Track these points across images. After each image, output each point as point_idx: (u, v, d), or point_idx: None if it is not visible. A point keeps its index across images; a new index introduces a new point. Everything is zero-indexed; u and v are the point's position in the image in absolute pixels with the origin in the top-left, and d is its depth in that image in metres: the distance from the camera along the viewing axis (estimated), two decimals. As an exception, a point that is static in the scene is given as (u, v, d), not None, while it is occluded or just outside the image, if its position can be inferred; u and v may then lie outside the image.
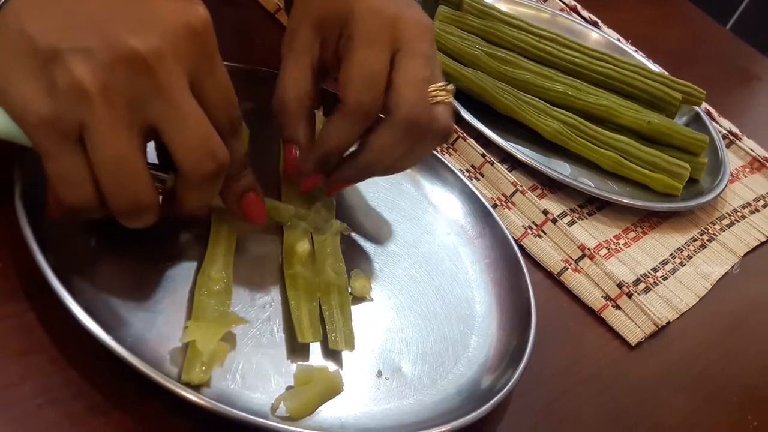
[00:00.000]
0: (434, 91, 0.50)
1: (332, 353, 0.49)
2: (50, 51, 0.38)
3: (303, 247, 0.52)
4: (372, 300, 0.53)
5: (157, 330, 0.45)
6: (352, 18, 0.49)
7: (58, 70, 0.38)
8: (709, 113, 0.89)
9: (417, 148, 0.51)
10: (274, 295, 0.50)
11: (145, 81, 0.39)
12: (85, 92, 0.38)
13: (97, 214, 0.41)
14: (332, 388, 0.47)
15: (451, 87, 0.51)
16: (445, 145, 0.69)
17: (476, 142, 0.69)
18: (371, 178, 0.55)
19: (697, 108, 0.85)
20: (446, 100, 0.50)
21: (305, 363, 0.47)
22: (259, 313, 0.49)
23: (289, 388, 0.46)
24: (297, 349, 0.48)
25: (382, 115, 0.50)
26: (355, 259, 0.55)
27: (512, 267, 0.58)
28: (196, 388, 0.42)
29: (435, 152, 0.64)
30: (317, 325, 0.49)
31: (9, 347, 0.42)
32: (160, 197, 0.43)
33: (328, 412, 0.46)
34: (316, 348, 0.49)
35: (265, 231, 0.53)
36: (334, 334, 0.49)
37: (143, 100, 0.39)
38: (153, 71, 0.39)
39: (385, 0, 0.50)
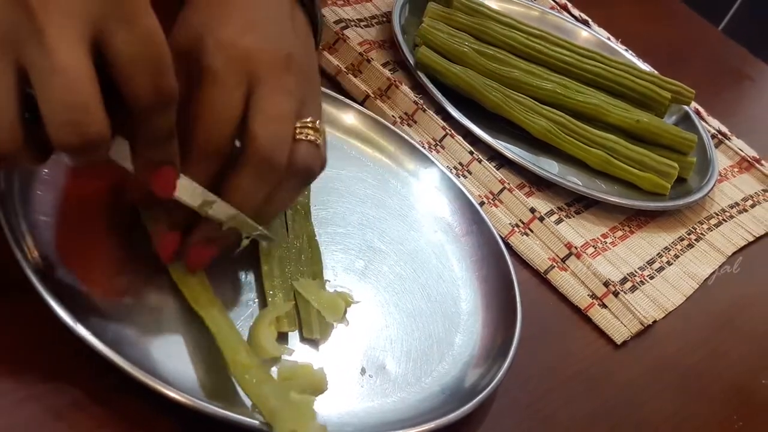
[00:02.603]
0: (299, 128, 0.46)
1: (316, 350, 0.48)
2: None
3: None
4: (358, 302, 0.52)
5: (137, 325, 0.44)
6: (203, 52, 0.44)
7: None
8: (698, 113, 0.89)
9: (279, 191, 0.46)
10: (248, 280, 0.50)
11: (21, 18, 0.34)
12: None
13: None
14: (316, 386, 0.46)
15: (320, 125, 0.47)
16: (433, 143, 0.69)
17: (464, 139, 0.69)
18: (359, 176, 0.54)
19: (686, 107, 0.85)
20: (311, 138, 0.46)
21: (289, 360, 0.47)
22: (243, 309, 0.48)
23: None
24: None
25: None
26: (340, 256, 0.55)
27: (499, 265, 0.58)
28: (175, 384, 0.41)
29: (423, 149, 0.64)
30: (292, 314, 0.49)
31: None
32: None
33: (311, 409, 0.45)
34: (300, 346, 0.48)
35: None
36: (308, 323, 0.49)
37: (17, 40, 0.34)
38: (31, 9, 0.34)
39: (239, 31, 0.45)
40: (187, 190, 0.43)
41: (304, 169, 0.46)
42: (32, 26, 0.34)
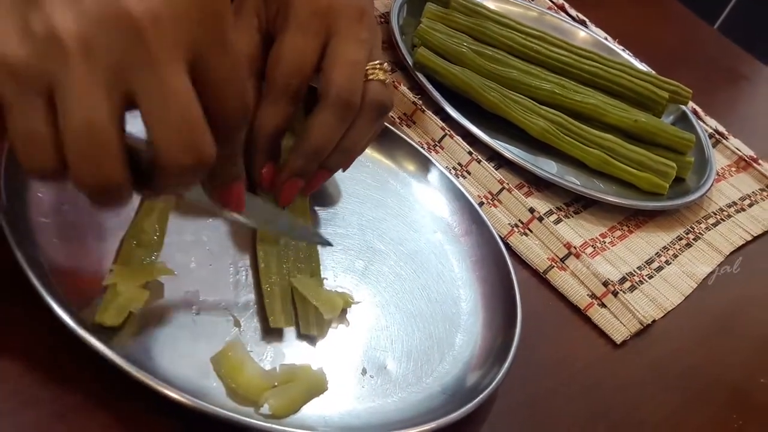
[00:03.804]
0: (369, 69, 0.52)
1: (316, 350, 0.48)
2: None
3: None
4: (358, 302, 0.52)
5: (139, 326, 0.44)
6: (290, 4, 0.51)
7: (37, 12, 0.34)
8: (695, 112, 0.89)
9: (355, 127, 0.52)
10: (248, 281, 0.50)
11: (132, 45, 0.34)
12: (62, 43, 0.33)
13: (58, 180, 0.37)
14: (316, 387, 0.46)
15: (386, 66, 0.53)
16: (432, 143, 0.69)
17: (463, 139, 0.69)
18: (359, 177, 0.54)
19: (683, 107, 0.85)
20: (380, 78, 0.52)
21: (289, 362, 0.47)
22: (243, 311, 0.48)
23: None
24: (271, 334, 0.48)
25: None
26: (340, 257, 0.55)
27: (498, 265, 0.58)
28: (177, 386, 0.41)
29: (422, 150, 0.64)
30: (289, 309, 0.49)
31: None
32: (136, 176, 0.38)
33: (313, 410, 0.45)
34: (301, 345, 0.48)
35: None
36: (306, 319, 0.49)
37: (127, 66, 0.34)
38: (144, 36, 0.34)
39: None
40: (253, 204, 0.48)
41: (377, 104, 0.52)
42: (146, 55, 0.34)
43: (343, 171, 0.56)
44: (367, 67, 0.52)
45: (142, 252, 0.46)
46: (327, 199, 0.58)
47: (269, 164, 0.53)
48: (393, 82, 0.71)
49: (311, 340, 0.49)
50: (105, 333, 0.42)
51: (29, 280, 0.41)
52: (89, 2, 0.34)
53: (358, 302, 0.52)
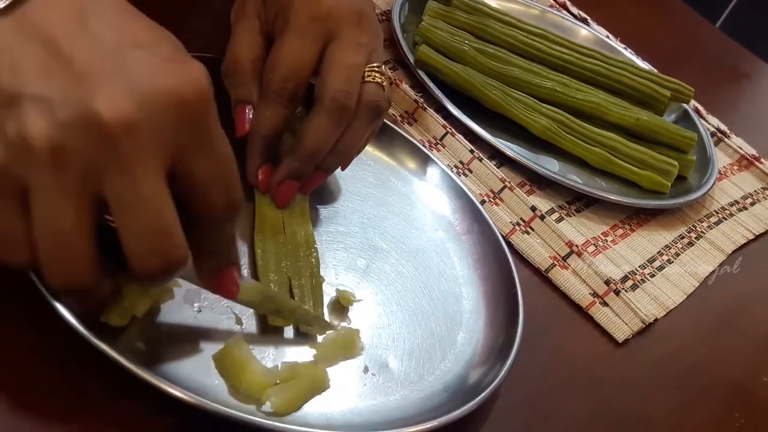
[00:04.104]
0: (367, 72, 0.52)
1: (317, 348, 0.48)
2: (10, 93, 0.34)
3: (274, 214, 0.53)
4: (360, 300, 0.52)
5: (140, 323, 0.44)
6: (290, 7, 0.52)
7: (12, 117, 0.34)
8: (697, 111, 0.89)
9: (351, 129, 0.52)
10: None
11: (103, 152, 0.34)
12: (32, 149, 0.33)
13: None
14: (318, 384, 0.46)
15: (385, 69, 0.53)
16: (433, 141, 0.69)
17: (465, 138, 0.69)
18: (360, 175, 0.54)
19: (685, 105, 0.85)
20: (377, 80, 0.52)
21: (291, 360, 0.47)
22: (245, 309, 0.48)
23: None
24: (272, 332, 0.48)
25: None
26: (342, 255, 0.55)
27: (500, 263, 0.58)
28: (178, 383, 0.41)
29: (423, 148, 0.64)
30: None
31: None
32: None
33: (314, 408, 0.45)
34: (304, 343, 0.48)
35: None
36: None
37: (98, 171, 0.34)
38: (115, 144, 0.34)
39: None
40: (248, 288, 0.45)
41: (372, 106, 0.52)
42: (117, 159, 0.34)
43: (342, 170, 0.56)
44: (366, 70, 0.52)
45: None
46: (328, 197, 0.58)
47: (266, 166, 0.53)
48: (395, 80, 0.71)
49: (313, 337, 0.49)
50: (107, 331, 0.42)
51: (32, 280, 0.40)
52: (62, 107, 0.34)
53: (360, 300, 0.52)
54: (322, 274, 0.52)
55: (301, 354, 0.48)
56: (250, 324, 0.48)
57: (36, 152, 0.33)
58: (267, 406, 0.44)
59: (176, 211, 0.36)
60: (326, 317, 0.50)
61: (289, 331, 0.49)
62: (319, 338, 0.49)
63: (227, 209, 0.38)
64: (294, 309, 0.48)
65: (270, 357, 0.47)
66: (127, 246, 0.36)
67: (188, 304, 0.47)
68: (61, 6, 0.36)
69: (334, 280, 0.53)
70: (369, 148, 0.64)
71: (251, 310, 0.48)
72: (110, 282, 0.40)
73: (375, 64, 0.53)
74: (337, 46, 0.52)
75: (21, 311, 0.43)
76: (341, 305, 0.51)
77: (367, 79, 0.52)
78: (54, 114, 0.34)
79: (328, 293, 0.52)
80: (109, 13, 0.36)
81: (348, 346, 0.49)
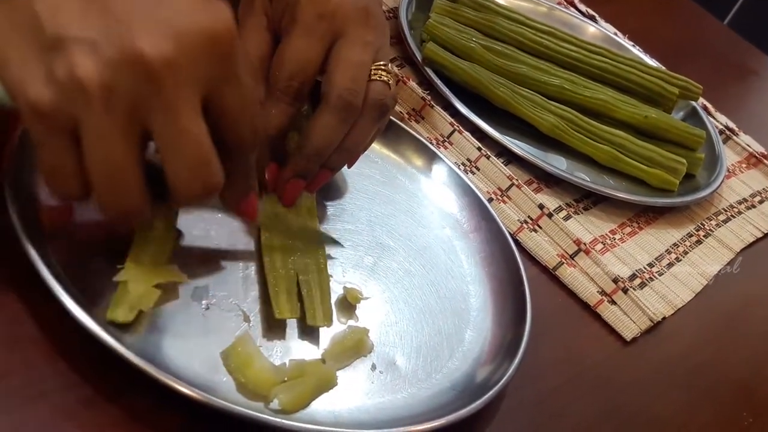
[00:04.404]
0: (373, 70, 0.52)
1: (327, 345, 0.48)
2: (54, 36, 0.36)
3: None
4: (367, 298, 0.52)
5: (148, 321, 0.44)
6: (297, 5, 0.51)
7: (60, 59, 0.36)
8: (705, 108, 0.89)
9: (357, 127, 0.52)
10: (251, 273, 0.50)
11: (148, 88, 0.37)
12: (84, 88, 0.36)
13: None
14: (326, 382, 0.46)
15: (392, 67, 0.53)
16: (441, 139, 0.69)
17: (472, 135, 0.69)
18: (367, 173, 0.54)
19: (693, 103, 0.85)
20: (383, 78, 0.52)
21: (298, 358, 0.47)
22: (253, 305, 0.48)
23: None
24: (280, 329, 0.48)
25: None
26: (349, 253, 0.55)
27: (507, 261, 0.58)
28: (186, 380, 0.41)
29: (431, 145, 0.64)
30: (294, 301, 0.49)
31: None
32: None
33: (322, 405, 0.45)
34: (311, 340, 0.48)
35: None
36: (312, 310, 0.49)
37: (144, 107, 0.37)
38: (159, 80, 0.37)
39: None
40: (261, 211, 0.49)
41: (378, 104, 0.52)
42: (161, 95, 0.37)
43: (348, 168, 0.56)
44: (372, 68, 0.52)
45: (153, 248, 0.46)
46: (335, 195, 0.58)
47: (272, 165, 0.53)
48: (402, 78, 0.70)
49: (321, 335, 0.49)
50: (115, 328, 0.42)
51: (41, 275, 0.41)
52: (107, 48, 0.36)
53: (367, 298, 0.52)
54: (329, 271, 0.52)
55: (309, 351, 0.48)
56: (258, 321, 0.48)
57: (87, 91, 0.36)
58: (275, 404, 0.43)
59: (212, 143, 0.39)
60: (333, 315, 0.50)
61: (298, 329, 0.48)
62: (327, 334, 0.49)
63: (253, 136, 0.42)
64: (302, 227, 0.52)
65: (278, 354, 0.47)
66: (171, 174, 0.39)
67: (196, 301, 0.47)
68: None
69: (341, 277, 0.53)
70: (376, 146, 0.64)
71: (258, 307, 0.48)
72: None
73: (381, 62, 0.53)
74: (344, 44, 0.52)
75: (28, 308, 0.43)
76: (349, 303, 0.51)
77: (373, 77, 0.52)
78: (100, 54, 0.36)
79: (336, 291, 0.52)
80: None
81: (358, 346, 0.49)
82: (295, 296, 0.49)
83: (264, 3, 0.54)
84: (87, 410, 0.41)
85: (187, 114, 0.38)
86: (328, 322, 0.49)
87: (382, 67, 0.53)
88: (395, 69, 0.54)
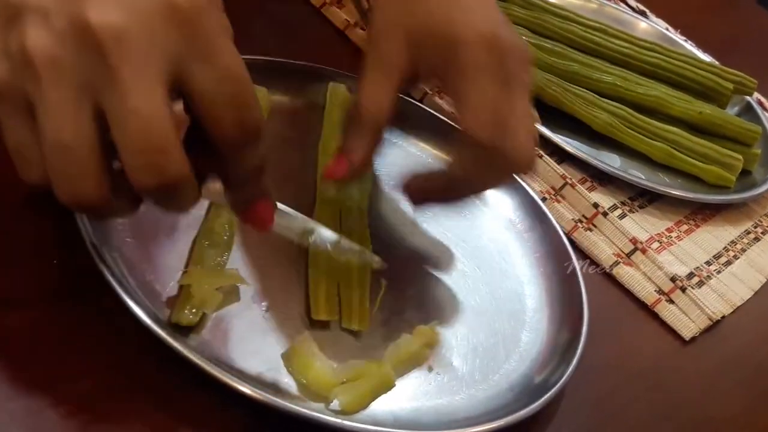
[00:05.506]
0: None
1: (384, 347, 0.49)
2: (15, 5, 0.34)
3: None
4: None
5: (212, 323, 0.45)
6: (461, 49, 0.46)
7: (14, 30, 0.34)
8: (760, 103, 0.87)
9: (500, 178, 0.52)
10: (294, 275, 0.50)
11: (96, 61, 0.33)
12: (30, 61, 0.33)
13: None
14: (384, 383, 0.47)
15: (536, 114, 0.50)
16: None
17: (524, 134, 0.68)
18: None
19: (748, 98, 0.83)
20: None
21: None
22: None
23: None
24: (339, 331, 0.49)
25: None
26: (405, 256, 0.55)
27: (563, 261, 0.58)
28: (249, 381, 0.42)
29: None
30: (333, 302, 0.49)
31: (66, 343, 0.42)
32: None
33: (381, 406, 0.46)
34: (369, 342, 0.49)
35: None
36: (348, 312, 0.49)
37: (94, 83, 0.33)
38: (105, 52, 0.33)
39: (488, 22, 0.47)
40: (285, 222, 0.45)
41: (528, 163, 0.49)
42: (107, 70, 0.33)
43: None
44: None
45: (214, 252, 0.47)
46: (386, 195, 0.58)
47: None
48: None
49: (379, 337, 0.49)
50: (178, 330, 0.43)
51: (107, 281, 0.42)
52: (57, 17, 0.33)
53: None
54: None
55: (366, 353, 0.48)
56: (317, 323, 0.48)
57: (35, 65, 0.33)
58: (335, 404, 0.44)
59: (174, 127, 0.34)
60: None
61: (357, 331, 0.49)
62: (387, 338, 0.49)
63: (238, 130, 0.36)
64: (337, 242, 0.48)
65: (337, 356, 0.47)
66: (122, 160, 0.34)
67: (256, 303, 0.47)
68: None
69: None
70: (428, 147, 0.64)
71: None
72: (132, 199, 0.38)
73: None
74: (515, 92, 0.47)
75: (95, 311, 0.44)
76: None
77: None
78: (51, 25, 0.33)
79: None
80: None
81: (417, 356, 0.49)
82: (334, 298, 0.49)
83: (396, 55, 0.48)
84: (152, 410, 0.42)
85: (139, 91, 0.33)
86: (364, 325, 0.49)
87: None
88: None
